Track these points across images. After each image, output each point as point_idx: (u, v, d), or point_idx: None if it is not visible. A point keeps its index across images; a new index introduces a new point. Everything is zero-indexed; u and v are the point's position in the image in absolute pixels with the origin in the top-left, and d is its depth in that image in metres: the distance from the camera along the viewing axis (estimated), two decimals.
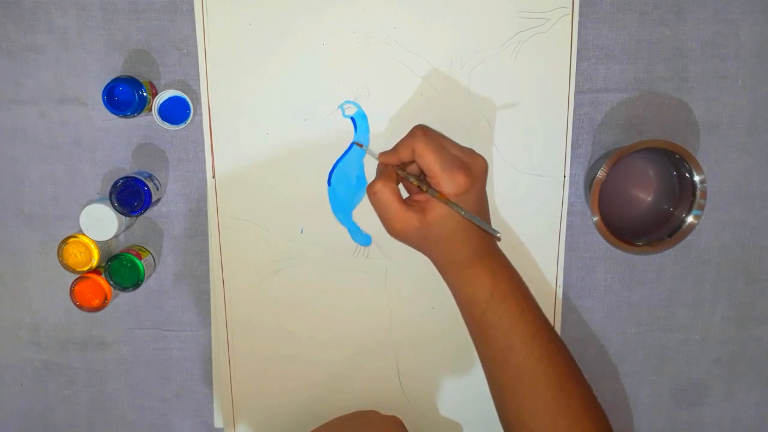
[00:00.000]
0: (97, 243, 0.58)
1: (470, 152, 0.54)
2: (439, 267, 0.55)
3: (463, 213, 0.50)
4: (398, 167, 0.54)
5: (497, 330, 0.53)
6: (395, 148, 0.54)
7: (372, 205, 0.54)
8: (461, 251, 0.53)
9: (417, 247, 0.55)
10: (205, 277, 0.63)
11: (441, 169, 0.50)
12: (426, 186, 0.52)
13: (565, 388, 0.52)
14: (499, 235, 0.49)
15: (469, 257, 0.53)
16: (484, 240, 0.54)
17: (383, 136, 0.60)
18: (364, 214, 0.61)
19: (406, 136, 0.53)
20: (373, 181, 0.53)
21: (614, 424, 0.53)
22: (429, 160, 0.51)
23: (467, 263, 0.53)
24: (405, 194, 0.58)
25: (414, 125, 0.54)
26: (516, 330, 0.52)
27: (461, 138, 0.60)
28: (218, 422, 0.65)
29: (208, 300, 0.63)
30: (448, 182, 0.50)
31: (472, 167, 0.52)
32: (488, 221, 0.55)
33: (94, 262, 0.58)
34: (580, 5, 0.59)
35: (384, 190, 0.52)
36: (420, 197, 0.53)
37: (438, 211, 0.51)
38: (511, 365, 0.52)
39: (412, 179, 0.53)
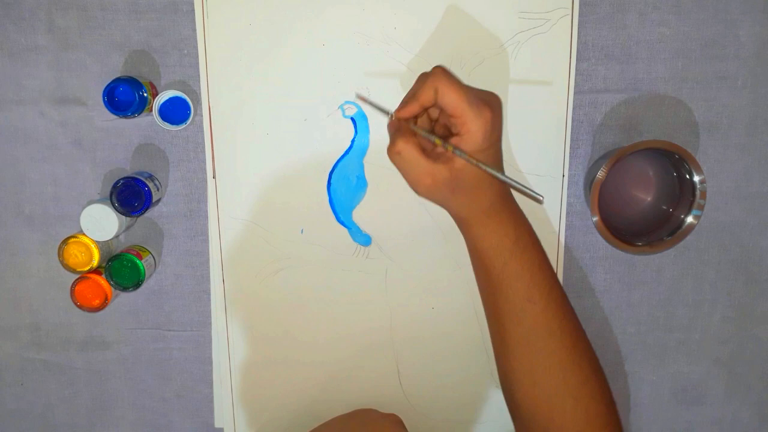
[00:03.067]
0: (98, 243, 0.58)
1: (484, 90, 0.51)
2: (463, 220, 0.53)
3: (505, 177, 0.49)
4: (415, 124, 0.51)
5: (519, 281, 0.51)
6: (413, 95, 0.49)
7: (396, 166, 0.50)
8: (487, 197, 0.51)
9: (445, 201, 0.52)
10: (205, 277, 0.63)
11: (468, 105, 0.47)
12: (449, 145, 0.49)
13: (577, 345, 0.51)
14: (541, 197, 0.48)
15: (494, 204, 0.51)
16: (504, 185, 0.52)
17: (383, 136, 0.60)
18: (364, 214, 0.61)
19: (426, 77, 0.49)
20: (393, 142, 0.49)
21: None
22: (454, 97, 0.47)
23: (493, 210, 0.51)
24: None
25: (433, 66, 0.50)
26: (537, 281, 0.51)
27: None
28: (218, 422, 0.65)
29: (208, 300, 0.63)
30: (476, 118, 0.48)
31: (492, 102, 0.50)
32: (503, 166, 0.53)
33: (95, 263, 0.58)
34: (580, 5, 0.59)
35: (407, 148, 0.48)
36: (439, 149, 0.50)
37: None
38: (528, 318, 0.51)
39: (434, 138, 0.50)
